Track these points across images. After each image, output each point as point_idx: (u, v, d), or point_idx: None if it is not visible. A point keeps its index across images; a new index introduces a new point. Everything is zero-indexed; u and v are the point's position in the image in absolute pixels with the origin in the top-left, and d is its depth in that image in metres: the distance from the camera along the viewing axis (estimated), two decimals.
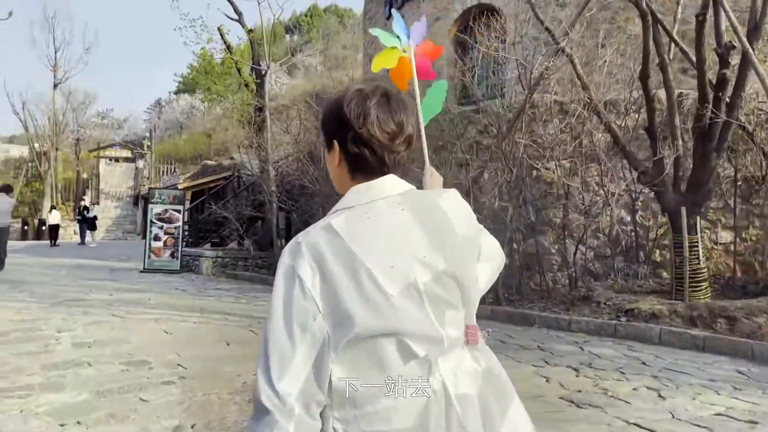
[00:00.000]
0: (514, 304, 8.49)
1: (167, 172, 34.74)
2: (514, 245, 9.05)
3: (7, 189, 15.62)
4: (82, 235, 25.42)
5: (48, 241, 24.33)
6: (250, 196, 17.86)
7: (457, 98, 11.54)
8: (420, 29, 1.78)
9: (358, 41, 30.77)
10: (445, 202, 1.27)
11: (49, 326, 6.71)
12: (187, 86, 53.06)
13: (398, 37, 1.74)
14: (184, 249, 14.15)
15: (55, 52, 34.70)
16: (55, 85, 34.66)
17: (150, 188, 17.46)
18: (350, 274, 1.11)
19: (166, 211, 13.94)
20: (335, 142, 1.25)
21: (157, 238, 13.86)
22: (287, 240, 8.70)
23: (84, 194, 33.01)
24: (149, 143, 36.79)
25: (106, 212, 32.09)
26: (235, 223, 13.66)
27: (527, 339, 6.62)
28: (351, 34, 37.84)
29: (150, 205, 13.98)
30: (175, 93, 54.97)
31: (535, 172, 9.76)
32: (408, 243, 1.17)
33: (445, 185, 1.53)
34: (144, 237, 14.22)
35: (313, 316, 1.10)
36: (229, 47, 17.52)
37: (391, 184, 1.24)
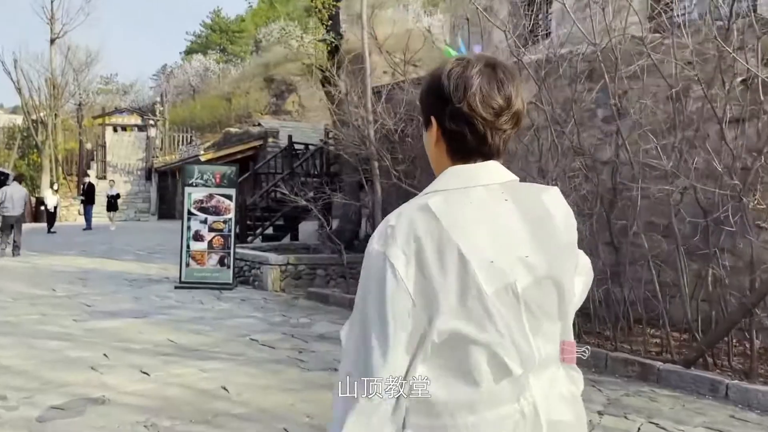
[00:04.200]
0: None
1: (183, 141, 30.14)
2: None
3: (20, 178, 15.64)
4: (88, 218, 21.06)
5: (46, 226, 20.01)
6: (311, 170, 13.38)
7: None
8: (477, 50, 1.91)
9: None
10: (549, 199, 1.12)
11: None
12: (199, 46, 48.06)
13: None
14: (237, 251, 9.59)
15: (51, 2, 29.69)
16: (52, 41, 29.70)
17: (185, 163, 12.94)
18: (447, 265, 0.97)
19: (211, 197, 9.27)
20: (432, 119, 1.10)
21: (198, 237, 9.23)
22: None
23: (89, 168, 28.45)
24: (161, 107, 32.07)
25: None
26: (317, 213, 9.04)
27: None
28: None
29: (186, 189, 9.30)
30: (186, 53, 49.85)
31: None
32: (511, 238, 1.03)
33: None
34: (181, 231, 9.67)
35: (407, 309, 0.97)
36: None
37: (492, 170, 1.08)
